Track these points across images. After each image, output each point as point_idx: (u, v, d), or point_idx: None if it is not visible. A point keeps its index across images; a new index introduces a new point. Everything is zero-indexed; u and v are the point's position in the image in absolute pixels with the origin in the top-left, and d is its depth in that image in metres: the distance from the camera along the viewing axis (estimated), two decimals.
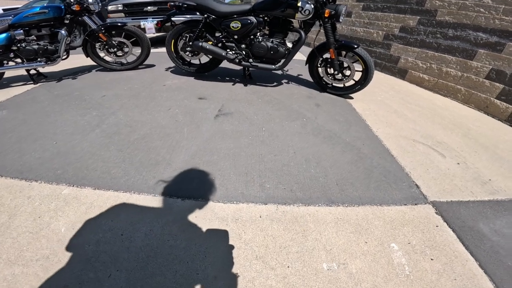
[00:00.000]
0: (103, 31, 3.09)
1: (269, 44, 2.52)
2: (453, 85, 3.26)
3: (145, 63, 3.54)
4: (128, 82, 2.98)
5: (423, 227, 1.25)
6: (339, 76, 2.58)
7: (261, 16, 2.48)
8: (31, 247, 1.04)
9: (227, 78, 3.11)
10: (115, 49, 3.26)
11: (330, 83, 2.71)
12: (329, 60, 2.52)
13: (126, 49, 3.33)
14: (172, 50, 3.01)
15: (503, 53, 2.70)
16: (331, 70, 2.61)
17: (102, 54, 3.34)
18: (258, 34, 2.57)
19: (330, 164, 1.67)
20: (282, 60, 2.57)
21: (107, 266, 0.98)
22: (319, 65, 2.64)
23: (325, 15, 2.27)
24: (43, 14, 2.83)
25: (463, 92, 3.14)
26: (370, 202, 1.38)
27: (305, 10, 2.28)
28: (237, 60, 2.64)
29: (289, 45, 2.58)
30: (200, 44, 2.65)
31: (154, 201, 1.25)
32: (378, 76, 3.88)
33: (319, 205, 1.34)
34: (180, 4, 2.58)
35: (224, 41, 2.67)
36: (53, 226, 1.12)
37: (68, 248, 1.04)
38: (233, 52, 2.66)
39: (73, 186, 1.33)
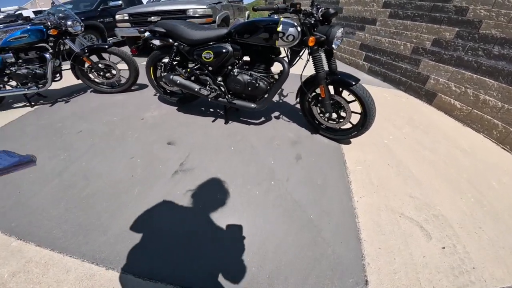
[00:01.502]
0: (87, 55, 2.96)
1: (246, 78, 2.10)
2: (489, 118, 2.58)
3: (138, 82, 3.37)
4: (110, 112, 2.86)
5: None
6: (334, 115, 2.09)
7: (239, 42, 2.06)
8: None
9: (211, 110, 2.78)
10: (101, 73, 3.11)
11: (324, 124, 2.22)
12: (320, 99, 2.03)
13: (114, 72, 3.16)
14: (152, 77, 2.75)
15: None
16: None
17: (92, 76, 3.24)
18: (237, 65, 2.17)
19: (274, 249, 1.36)
20: (265, 97, 2.13)
21: None
22: (311, 102, 2.17)
23: (310, 44, 1.79)
24: (24, 38, 2.76)
25: (500, 129, 2.46)
26: None
27: (288, 36, 1.80)
28: (212, 97, 2.27)
29: (277, 76, 2.13)
30: (171, 77, 2.34)
31: (81, 266, 1.30)
32: (399, 100, 3.26)
33: None
34: (151, 30, 2.28)
35: (198, 73, 2.31)
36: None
37: None
38: (208, 87, 2.29)
39: (20, 239, 1.44)
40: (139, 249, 1.37)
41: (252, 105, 2.19)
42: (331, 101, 2.05)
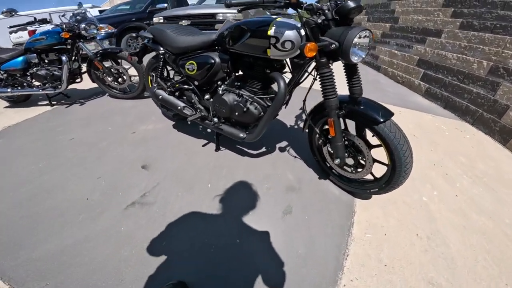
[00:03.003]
0: (98, 59, 2.88)
1: (232, 98, 1.62)
2: None
3: None
4: (111, 120, 2.71)
5: None
6: (350, 161, 1.48)
7: (231, 51, 1.59)
8: None
9: (208, 131, 2.36)
10: (111, 78, 3.01)
11: (336, 168, 1.62)
12: (329, 138, 1.44)
13: (125, 77, 3.02)
14: (150, 87, 2.46)
15: None
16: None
17: (107, 81, 3.17)
18: (227, 81, 1.72)
19: None
20: (257, 126, 1.62)
21: None
22: (319, 138, 1.59)
23: (307, 54, 1.14)
24: (43, 40, 2.80)
25: None
26: None
27: (285, 43, 1.26)
28: (198, 119, 1.85)
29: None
30: (154, 90, 1.99)
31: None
32: (461, 136, 2.43)
33: None
34: (141, 36, 1.98)
35: (185, 88, 1.92)
36: None
37: None
38: (192, 106, 1.87)
39: None
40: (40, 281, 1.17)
41: (241, 135, 1.69)
42: (345, 142, 1.44)
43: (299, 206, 1.54)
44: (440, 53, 3.42)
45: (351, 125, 1.46)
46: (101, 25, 2.99)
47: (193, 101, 1.85)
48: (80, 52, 3.01)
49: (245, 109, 1.56)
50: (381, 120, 1.22)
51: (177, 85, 1.96)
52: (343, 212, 1.50)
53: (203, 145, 2.13)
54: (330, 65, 1.29)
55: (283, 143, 2.15)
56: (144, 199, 1.60)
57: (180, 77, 1.99)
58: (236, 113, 1.62)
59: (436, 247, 1.32)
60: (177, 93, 1.97)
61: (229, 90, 1.66)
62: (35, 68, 2.93)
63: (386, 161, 1.34)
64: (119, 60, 2.98)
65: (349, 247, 1.31)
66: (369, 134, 1.38)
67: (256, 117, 1.59)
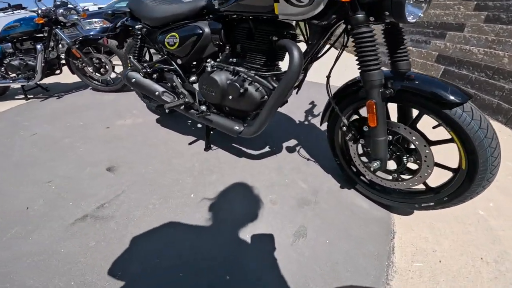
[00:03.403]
0: (77, 47, 2.53)
1: (223, 78, 1.21)
2: None
3: None
4: (84, 114, 2.30)
5: None
6: (393, 165, 1.05)
7: (225, 16, 1.20)
8: None
9: (198, 126, 1.93)
10: (91, 67, 2.67)
11: (367, 174, 1.18)
12: (365, 129, 1.03)
13: (108, 67, 2.66)
14: None
15: None
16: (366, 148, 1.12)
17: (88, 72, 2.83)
18: (219, 57, 1.31)
19: None
20: (259, 114, 1.19)
21: None
22: (346, 133, 1.14)
23: None
24: (17, 28, 2.54)
25: None
26: None
27: None
28: (181, 107, 1.42)
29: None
30: (126, 73, 1.58)
31: None
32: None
33: None
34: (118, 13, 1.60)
35: (165, 68, 1.50)
36: None
37: None
38: (174, 91, 1.46)
39: None
40: None
41: (236, 127, 1.26)
42: (390, 137, 1.02)
43: (315, 226, 1.10)
44: (464, 48, 3.05)
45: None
46: (95, 19, 2.70)
47: (174, 84, 1.42)
48: (60, 41, 2.69)
49: (242, 90, 1.14)
50: (458, 100, 0.80)
51: (156, 65, 1.54)
52: (378, 233, 1.07)
53: (190, 143, 1.70)
54: (368, 23, 0.87)
55: (292, 142, 1.71)
56: (101, 211, 1.17)
57: (160, 56, 1.57)
58: (230, 97, 1.20)
59: (508, 272, 0.94)
60: (155, 76, 1.55)
61: (220, 66, 1.24)
62: (9, 59, 2.65)
63: (454, 163, 0.92)
64: (101, 48, 2.60)
65: (390, 282, 0.89)
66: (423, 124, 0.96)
67: (257, 102, 1.17)
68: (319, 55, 1.16)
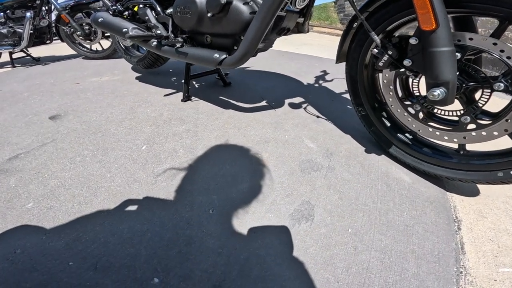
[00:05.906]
0: (66, 11, 2.40)
1: None
2: None
3: None
4: (58, 75, 2.04)
5: None
6: (463, 103, 0.62)
7: None
8: None
9: (182, 82, 1.56)
10: (80, 33, 2.50)
11: (412, 127, 0.74)
12: (413, 41, 0.61)
13: (98, 32, 2.52)
14: None
15: None
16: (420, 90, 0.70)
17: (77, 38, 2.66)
18: None
19: None
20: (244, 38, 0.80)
21: None
22: (379, 58, 0.69)
23: None
24: None
25: None
26: None
27: None
28: (153, 44, 1.06)
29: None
30: (94, 14, 1.30)
31: None
32: None
33: None
34: None
35: (140, 5, 1.19)
36: None
37: None
38: (147, 27, 1.12)
39: None
40: None
41: (216, 55, 0.89)
42: (459, 55, 0.59)
43: (329, 203, 0.67)
44: None
45: None
46: None
47: (147, 17, 1.09)
48: (52, 10, 2.59)
49: (223, 1, 0.75)
50: None
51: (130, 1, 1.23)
52: (434, 221, 0.63)
53: (167, 95, 1.32)
54: None
55: (297, 99, 1.28)
56: (10, 163, 0.80)
57: None
58: (209, 14, 0.82)
59: None
60: (127, 13, 1.25)
61: None
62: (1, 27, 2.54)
63: None
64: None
65: None
66: None
67: (243, 20, 0.78)
68: None
